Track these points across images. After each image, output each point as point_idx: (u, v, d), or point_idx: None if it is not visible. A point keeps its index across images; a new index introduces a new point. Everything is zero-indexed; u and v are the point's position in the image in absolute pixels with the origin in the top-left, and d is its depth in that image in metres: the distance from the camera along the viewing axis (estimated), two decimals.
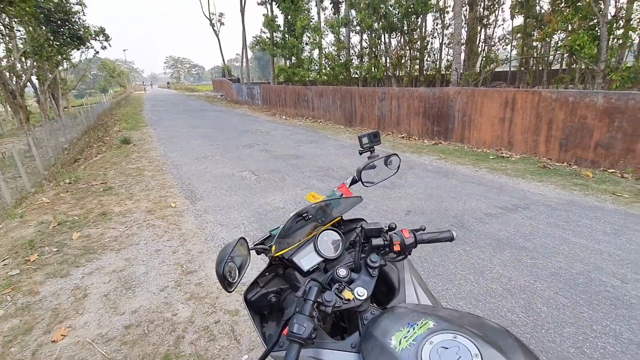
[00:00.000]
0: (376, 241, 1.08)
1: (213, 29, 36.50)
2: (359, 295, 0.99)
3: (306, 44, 22.49)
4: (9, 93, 15.76)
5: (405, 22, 16.31)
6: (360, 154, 1.50)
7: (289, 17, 23.82)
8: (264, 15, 24.70)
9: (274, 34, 24.82)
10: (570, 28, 10.78)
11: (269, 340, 1.08)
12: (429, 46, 19.63)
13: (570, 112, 6.21)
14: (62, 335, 2.38)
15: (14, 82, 16.11)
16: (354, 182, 1.46)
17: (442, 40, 19.74)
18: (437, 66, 20.28)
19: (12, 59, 14.77)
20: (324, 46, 21.69)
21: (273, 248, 1.15)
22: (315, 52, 22.89)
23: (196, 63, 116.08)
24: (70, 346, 2.30)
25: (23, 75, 17.54)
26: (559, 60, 17.52)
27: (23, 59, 16.03)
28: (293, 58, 22.98)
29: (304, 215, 1.20)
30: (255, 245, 1.25)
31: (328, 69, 20.79)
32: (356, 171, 1.43)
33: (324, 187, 5.28)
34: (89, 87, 61.79)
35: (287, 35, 23.95)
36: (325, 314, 0.94)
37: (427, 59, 20.82)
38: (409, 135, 9.38)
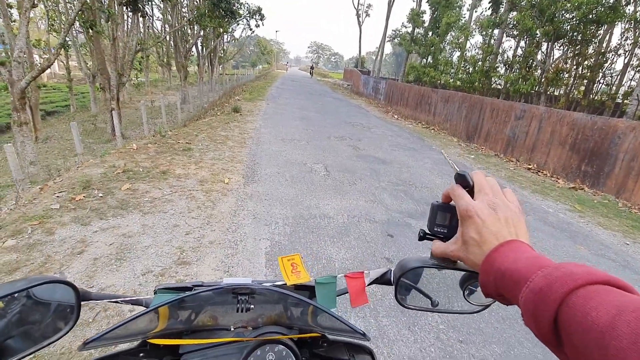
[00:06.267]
0: None
1: (358, 19, 36.92)
2: None
3: (447, 43, 20.51)
4: (179, 53, 18.92)
5: (579, 31, 12.93)
6: (421, 239, 0.69)
7: (437, 12, 22.04)
8: (411, 9, 23.49)
9: (416, 30, 23.48)
10: None
11: None
12: (606, 65, 15.36)
13: None
14: None
15: (183, 46, 19.22)
16: (382, 281, 0.70)
17: (630, 59, 15.16)
18: (612, 91, 15.79)
19: (178, 24, 17.55)
20: (467, 48, 19.31)
21: (160, 322, 0.61)
22: (456, 55, 20.72)
23: (336, 51, 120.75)
24: None
25: (190, 39, 20.78)
26: None
27: (190, 27, 18.91)
28: (429, 57, 21.31)
29: (241, 296, 0.62)
30: (125, 299, 0.62)
31: (465, 74, 18.49)
32: (397, 268, 0.66)
33: (391, 207, 4.29)
34: (245, 61, 70.68)
35: (429, 33, 22.30)
36: None
37: (599, 81, 16.43)
38: (539, 168, 7.31)
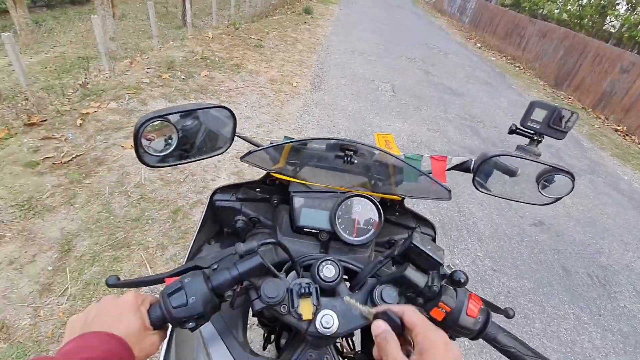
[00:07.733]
0: (414, 276, 0.50)
1: None
2: (323, 325, 0.50)
3: None
4: None
5: None
6: (511, 133, 0.78)
7: None
8: None
9: None
10: None
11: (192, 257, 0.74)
12: None
13: None
14: (131, 145, 2.66)
15: None
16: (462, 168, 0.81)
17: None
18: None
19: None
20: None
21: (283, 155, 0.74)
22: None
23: None
24: (127, 158, 2.56)
25: None
26: None
27: None
28: None
29: (347, 152, 0.72)
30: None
31: (575, 6, 15.43)
32: (479, 156, 0.74)
33: (454, 140, 4.20)
34: None
35: None
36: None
37: None
38: (628, 132, 6.49)
